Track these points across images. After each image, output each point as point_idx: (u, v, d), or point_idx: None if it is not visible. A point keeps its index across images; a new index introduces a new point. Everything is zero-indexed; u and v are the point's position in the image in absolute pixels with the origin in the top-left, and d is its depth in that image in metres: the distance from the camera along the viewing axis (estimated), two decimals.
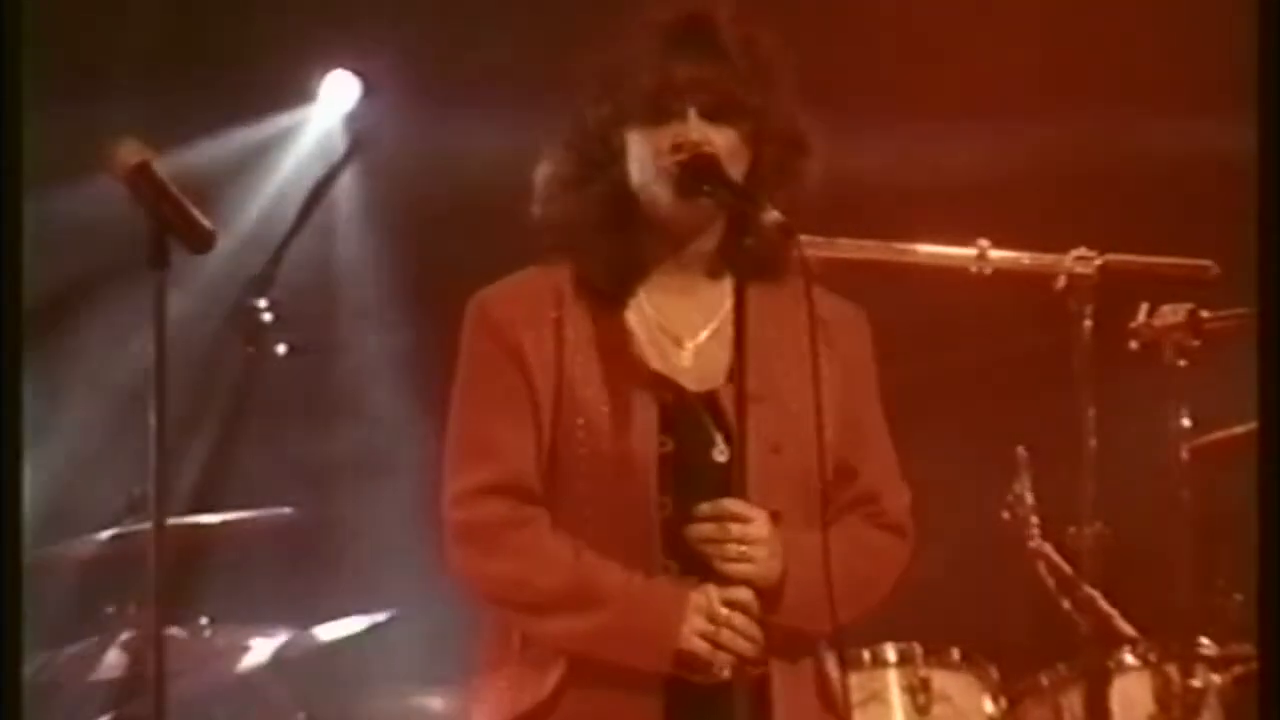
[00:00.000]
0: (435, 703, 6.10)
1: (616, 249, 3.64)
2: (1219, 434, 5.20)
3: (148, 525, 3.56)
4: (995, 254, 5.08)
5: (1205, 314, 5.07)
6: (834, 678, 3.66)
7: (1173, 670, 5.28)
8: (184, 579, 6.24)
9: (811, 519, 3.57)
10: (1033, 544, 5.56)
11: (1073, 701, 5.29)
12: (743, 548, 3.49)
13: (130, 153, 3.52)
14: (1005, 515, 5.62)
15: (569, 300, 3.65)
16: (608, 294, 3.65)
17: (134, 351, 6.34)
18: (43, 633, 5.34)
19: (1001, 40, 6.65)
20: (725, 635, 3.50)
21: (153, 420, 3.48)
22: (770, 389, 3.59)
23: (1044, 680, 5.42)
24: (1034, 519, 5.59)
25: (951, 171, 6.48)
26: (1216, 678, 5.28)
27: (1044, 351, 5.18)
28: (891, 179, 6.03)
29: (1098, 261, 5.01)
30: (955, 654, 5.46)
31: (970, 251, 5.09)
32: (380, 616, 5.89)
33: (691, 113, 3.57)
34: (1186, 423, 5.07)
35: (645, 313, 3.66)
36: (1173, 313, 5.08)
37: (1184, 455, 5.07)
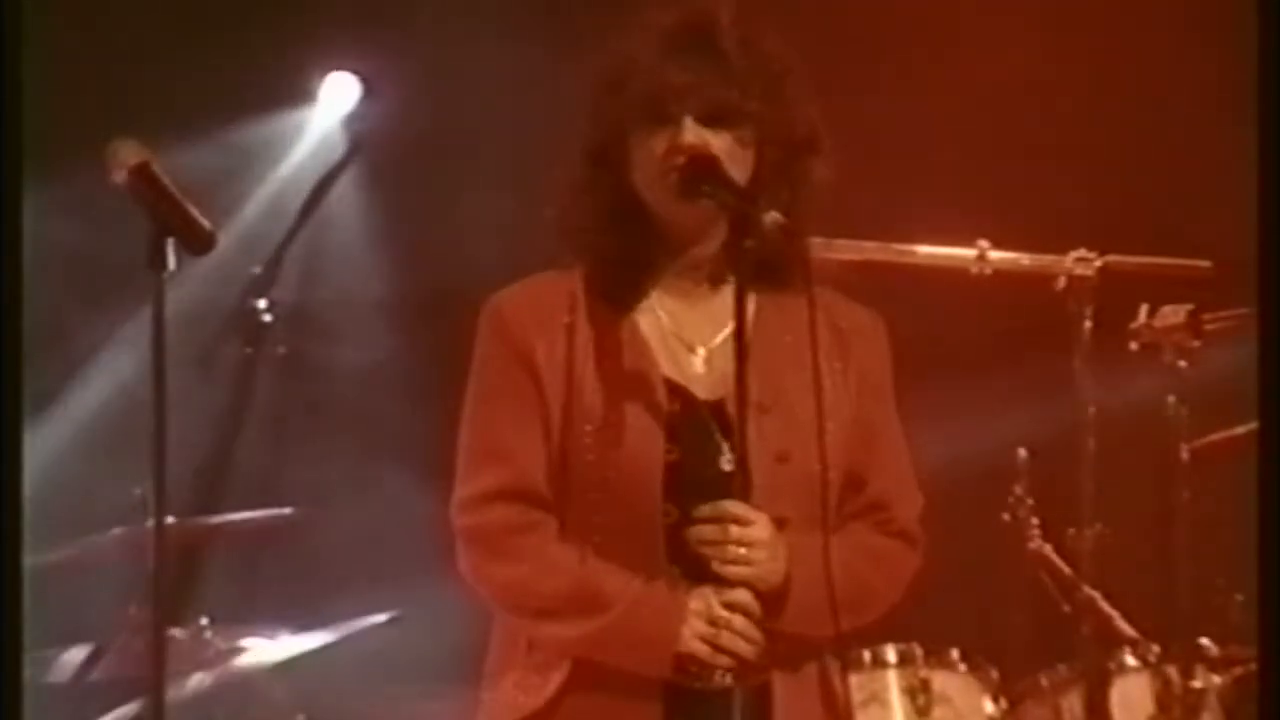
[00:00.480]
0: (435, 704, 6.10)
1: (622, 252, 3.63)
2: (1219, 434, 5.20)
3: (148, 525, 3.56)
4: (995, 254, 5.09)
5: (1205, 315, 5.07)
6: (837, 683, 3.66)
7: (1173, 671, 5.29)
8: (184, 579, 6.25)
9: (821, 527, 3.56)
10: (1033, 545, 5.57)
11: (1073, 702, 5.29)
12: (742, 550, 3.49)
13: (130, 153, 3.52)
14: (1005, 516, 5.62)
15: (582, 305, 3.64)
16: (618, 298, 3.65)
17: (134, 351, 6.35)
18: (43, 633, 5.33)
19: (1002, 40, 6.65)
20: (724, 638, 3.50)
21: (153, 420, 3.48)
22: (779, 397, 3.59)
23: (1044, 681, 5.43)
24: (1034, 520, 5.59)
25: (951, 171, 6.48)
26: (1217, 678, 5.28)
27: (1044, 351, 5.19)
28: (892, 179, 6.03)
29: (1098, 262, 5.01)
30: (955, 655, 5.47)
31: (970, 252, 5.10)
32: (380, 617, 5.88)
33: (687, 118, 3.57)
34: (1186, 423, 5.07)
35: (659, 319, 3.66)
36: (1173, 313, 5.08)
37: (1184, 455, 5.07)
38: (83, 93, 6.45)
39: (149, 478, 3.52)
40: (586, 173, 3.65)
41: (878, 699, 5.38)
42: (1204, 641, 5.30)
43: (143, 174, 3.50)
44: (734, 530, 3.48)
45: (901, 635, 5.31)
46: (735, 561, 3.50)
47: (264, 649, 5.75)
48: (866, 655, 5.36)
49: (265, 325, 6.81)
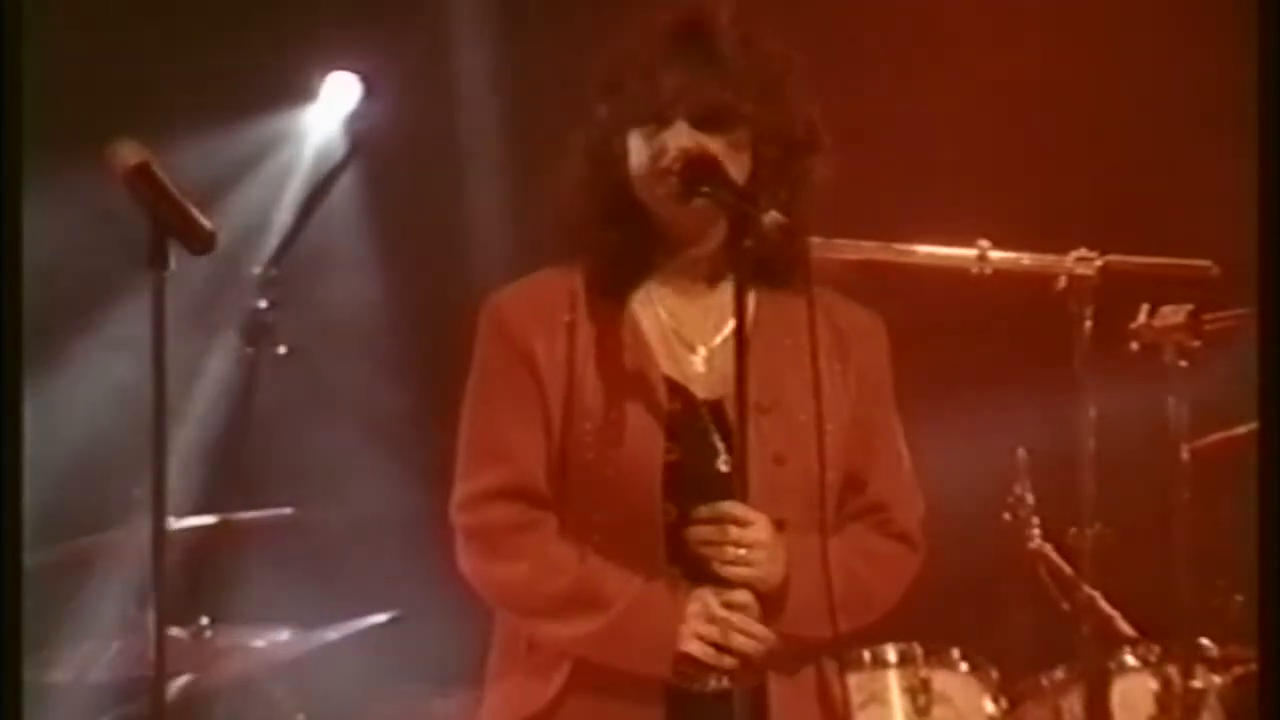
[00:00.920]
0: (435, 704, 6.10)
1: (622, 250, 3.63)
2: (1219, 434, 5.20)
3: (148, 525, 3.56)
4: (995, 254, 5.08)
5: (1205, 315, 5.06)
6: (835, 686, 3.66)
7: (1173, 671, 5.29)
8: (184, 579, 6.25)
9: (820, 528, 3.56)
10: (1033, 545, 5.57)
11: (1073, 702, 5.29)
12: (741, 551, 3.49)
13: (130, 153, 3.52)
14: (1006, 516, 5.62)
15: (582, 303, 3.64)
16: (618, 296, 3.65)
17: (134, 351, 6.35)
18: (43, 633, 5.33)
19: (1003, 40, 6.65)
20: (724, 636, 3.50)
21: (153, 420, 3.48)
22: (778, 398, 3.59)
23: (1044, 681, 5.43)
24: (1034, 520, 5.59)
25: (951, 171, 6.48)
26: (1217, 678, 5.28)
27: (1044, 351, 5.19)
28: (892, 179, 6.03)
29: (1098, 262, 5.01)
30: (955, 655, 5.47)
31: (970, 252, 5.10)
32: (380, 617, 5.88)
33: (680, 121, 3.56)
34: (1186, 423, 5.07)
35: (660, 318, 3.66)
36: (1173, 313, 5.08)
37: (1184, 455, 5.07)
38: (83, 93, 6.45)
39: (149, 478, 3.52)
40: (586, 171, 3.65)
41: (878, 699, 5.38)
42: (1204, 641, 5.30)
43: (143, 174, 3.50)
44: (734, 531, 3.48)
45: (901, 635, 5.31)
46: (735, 563, 3.50)
47: (264, 649, 5.75)
48: (866, 655, 5.36)
49: (265, 325, 6.80)
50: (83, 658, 5.64)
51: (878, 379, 3.73)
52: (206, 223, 3.53)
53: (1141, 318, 5.10)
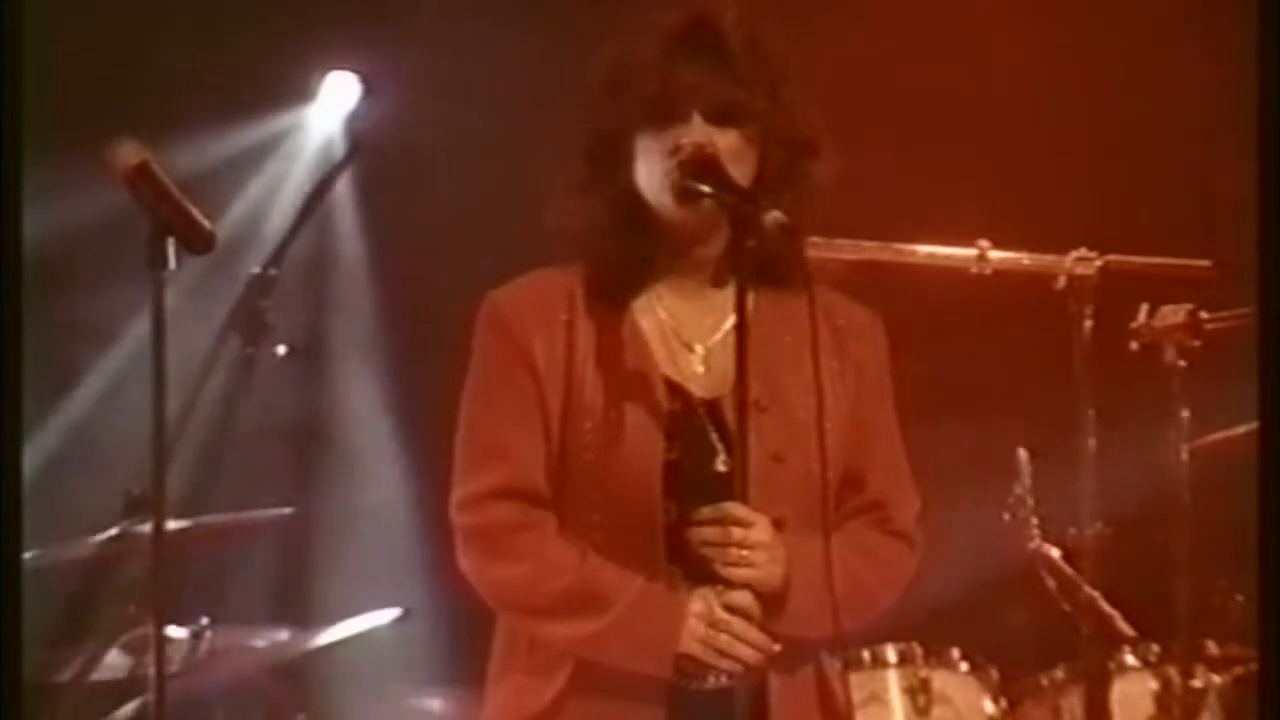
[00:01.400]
0: (435, 704, 6.10)
1: (625, 253, 3.63)
2: (1219, 434, 5.20)
3: (147, 525, 3.56)
4: (995, 254, 5.09)
5: (1205, 314, 5.06)
6: (835, 685, 3.65)
7: (1173, 671, 5.29)
8: (184, 579, 6.24)
9: (818, 526, 3.56)
10: (1033, 545, 5.56)
11: (1073, 702, 5.30)
12: (744, 552, 3.49)
13: (130, 153, 3.52)
14: (1006, 516, 5.62)
15: (580, 303, 3.64)
16: (617, 296, 3.65)
17: (133, 351, 6.35)
18: (43, 633, 5.33)
19: (1003, 40, 6.65)
20: (724, 639, 3.51)
21: (152, 420, 3.48)
22: (777, 397, 3.59)
23: (1044, 681, 5.43)
24: (1034, 520, 5.59)
25: (951, 171, 6.48)
26: (1217, 678, 5.28)
27: (1044, 352, 5.19)
28: (892, 179, 6.03)
29: (1098, 262, 5.01)
30: (955, 655, 5.47)
31: (970, 251, 5.10)
32: (380, 617, 5.88)
33: (695, 116, 3.57)
34: (1186, 423, 5.07)
35: (659, 317, 3.66)
36: (1173, 313, 5.07)
37: (1184, 455, 5.07)
38: (83, 92, 6.45)
39: (148, 478, 3.52)
40: (587, 174, 3.64)
41: (878, 699, 5.38)
42: (1204, 641, 5.30)
43: (143, 174, 3.50)
44: (735, 532, 3.49)
45: (901, 635, 5.31)
46: (736, 563, 3.50)
47: (264, 649, 5.75)
48: (866, 655, 5.37)
49: (265, 325, 6.80)
50: (83, 658, 5.64)
51: (876, 377, 3.73)
52: (206, 223, 3.53)
53: (1141, 318, 5.10)
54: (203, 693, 5.74)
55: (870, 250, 4.95)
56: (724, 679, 3.53)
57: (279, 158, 7.21)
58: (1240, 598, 5.35)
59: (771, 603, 3.53)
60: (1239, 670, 5.28)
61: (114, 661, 5.59)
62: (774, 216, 3.48)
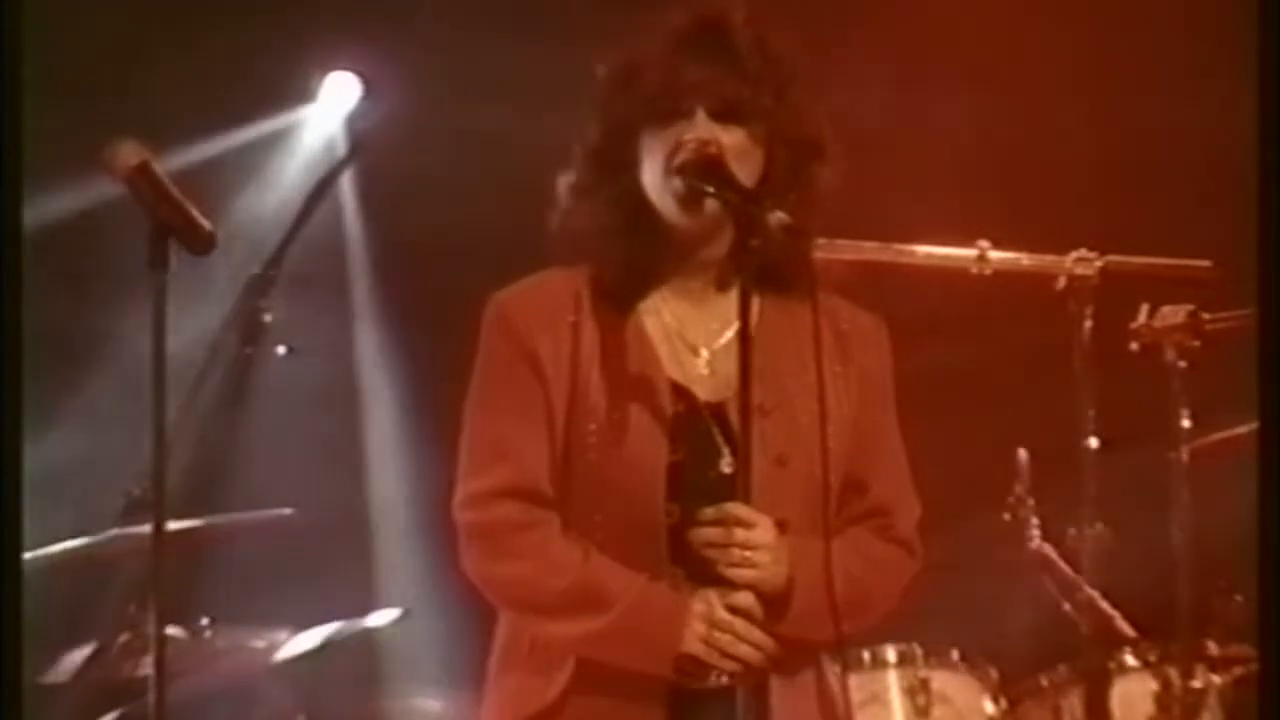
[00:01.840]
0: (435, 703, 6.11)
1: (629, 254, 3.63)
2: (1219, 434, 5.20)
3: (148, 525, 3.56)
4: (995, 254, 5.09)
5: (1205, 315, 5.06)
6: (835, 687, 3.66)
7: (1173, 671, 5.28)
8: (184, 579, 6.24)
9: (820, 531, 3.56)
10: (1033, 545, 5.57)
11: (1073, 702, 5.29)
12: (747, 553, 3.50)
13: (130, 153, 3.52)
14: (1006, 516, 5.62)
15: (586, 304, 3.65)
16: (623, 298, 3.65)
17: (133, 352, 6.35)
18: (43, 633, 5.33)
19: (1003, 40, 6.64)
20: (726, 640, 3.51)
21: (152, 420, 3.48)
22: (781, 401, 3.59)
23: (1044, 681, 5.43)
24: (1034, 520, 5.59)
25: (951, 171, 6.47)
26: (1217, 679, 5.28)
27: (1044, 351, 5.19)
28: (892, 179, 6.03)
29: (1098, 262, 5.01)
30: (955, 655, 5.47)
31: (970, 252, 5.10)
32: (381, 616, 5.88)
33: (700, 112, 3.57)
34: (1186, 423, 5.07)
35: (664, 320, 3.66)
36: (1173, 313, 5.07)
37: (1184, 455, 5.07)
38: (83, 93, 6.45)
39: (149, 478, 3.52)
40: (593, 174, 3.65)
41: (878, 699, 5.38)
42: (1204, 641, 5.29)
43: (143, 173, 3.50)
44: (739, 533, 3.49)
45: (901, 635, 5.31)
46: (739, 564, 3.50)
47: (264, 649, 5.75)
48: (866, 655, 5.36)
49: (265, 325, 6.80)
50: (83, 658, 5.64)
51: (879, 383, 3.73)
52: (206, 223, 3.53)
53: (1141, 318, 5.10)
54: (203, 693, 5.74)
55: (870, 250, 4.95)
56: (724, 679, 3.53)
57: (279, 158, 7.21)
58: (1240, 598, 5.35)
59: (774, 604, 3.53)
60: (1239, 670, 5.27)
61: (114, 662, 5.59)
62: (778, 217, 3.49)
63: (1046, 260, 5.05)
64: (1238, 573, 5.13)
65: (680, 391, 3.61)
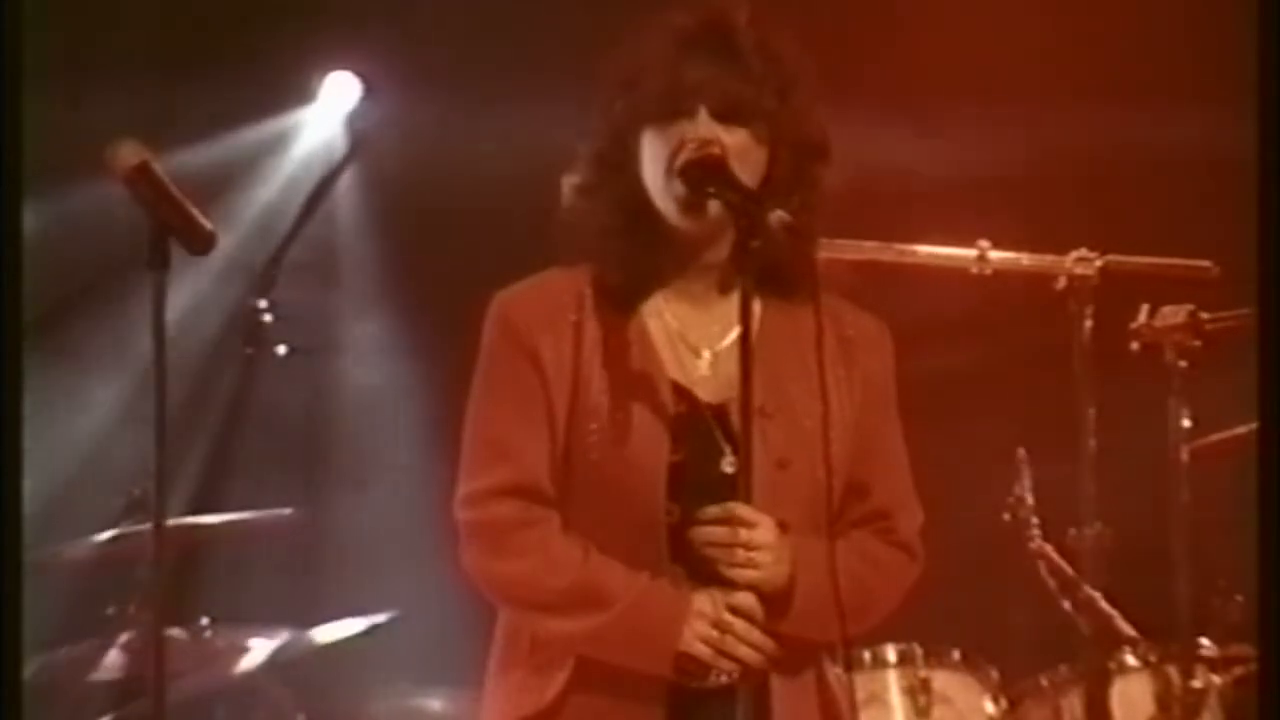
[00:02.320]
0: (435, 703, 6.11)
1: (631, 255, 3.63)
2: (1219, 434, 5.20)
3: (148, 525, 3.56)
4: (995, 254, 5.09)
5: (1205, 315, 5.06)
6: (836, 688, 3.66)
7: (1173, 671, 5.28)
8: (184, 579, 6.25)
9: (821, 533, 3.56)
10: (1033, 545, 5.57)
11: (1073, 702, 5.29)
12: (750, 553, 3.50)
13: (130, 153, 3.51)
14: (1006, 516, 5.62)
15: (589, 304, 3.65)
16: (626, 299, 3.65)
17: (134, 352, 6.35)
18: (43, 633, 5.33)
19: (1003, 41, 6.64)
20: (728, 641, 3.51)
21: (153, 420, 3.48)
22: (782, 404, 3.59)
23: (1044, 681, 5.43)
24: (1034, 520, 5.59)
25: (951, 171, 6.47)
26: (1217, 678, 5.28)
27: (1044, 351, 5.19)
28: (892, 179, 6.03)
29: (1098, 262, 5.01)
30: (955, 655, 5.47)
31: (970, 252, 5.10)
32: (380, 616, 5.89)
33: (702, 112, 3.57)
34: (1186, 423, 5.07)
35: (666, 321, 3.66)
36: (1173, 314, 5.07)
37: (1184, 455, 5.07)
38: (83, 94, 6.45)
39: (149, 478, 3.52)
40: (595, 175, 3.65)
41: (878, 699, 5.38)
42: (1204, 642, 5.29)
43: (143, 173, 3.50)
44: (741, 533, 3.49)
45: (901, 635, 5.31)
46: (742, 564, 3.50)
47: (264, 649, 5.75)
48: (866, 655, 5.36)
49: (265, 325, 6.81)
50: (83, 658, 5.64)
51: (882, 387, 3.73)
52: (206, 223, 3.52)
53: (1141, 318, 5.10)
54: (203, 693, 5.75)
55: (871, 250, 4.95)
56: (724, 679, 3.53)
57: (279, 158, 7.21)
58: (1240, 598, 5.35)
59: (775, 604, 3.53)
60: (1239, 670, 5.27)
61: (114, 662, 5.60)
62: (779, 216, 3.48)
63: (1046, 260, 5.05)
64: (1238, 573, 5.13)
65: (682, 392, 3.61)
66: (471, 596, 3.67)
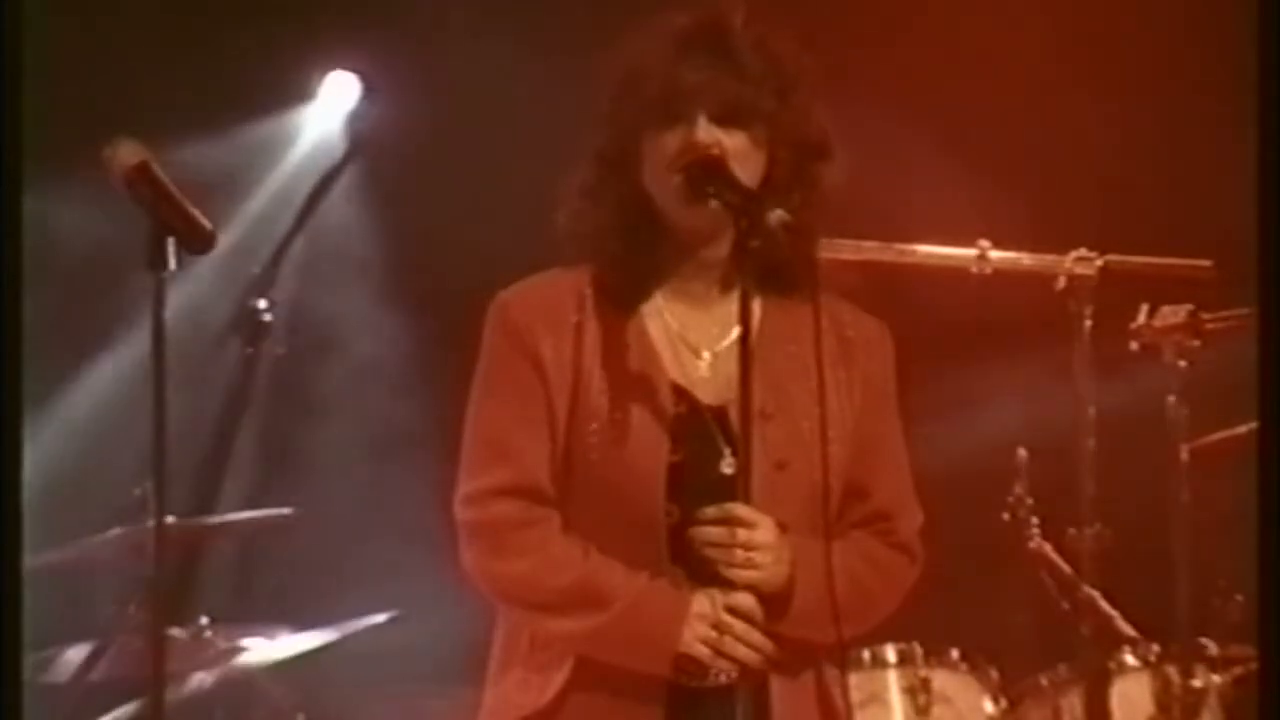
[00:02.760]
0: (435, 703, 6.10)
1: (631, 255, 3.63)
2: (1219, 434, 5.20)
3: (148, 525, 3.56)
4: (995, 254, 5.09)
5: (1205, 315, 5.06)
6: (834, 688, 3.66)
7: (1173, 671, 5.28)
8: (184, 579, 6.25)
9: (820, 535, 3.56)
10: (1033, 545, 5.57)
11: (1073, 702, 5.29)
12: (749, 554, 3.50)
13: (130, 153, 3.52)
14: (1005, 516, 5.62)
15: (590, 305, 3.65)
16: (626, 299, 3.65)
17: (133, 352, 6.35)
18: (43, 633, 5.33)
19: (1004, 40, 6.65)
20: (727, 641, 3.51)
21: (153, 420, 3.48)
22: (782, 405, 3.59)
23: (1044, 681, 5.43)
24: (1034, 520, 5.59)
25: (951, 171, 6.47)
26: (1216, 678, 5.28)
27: (1044, 351, 5.19)
28: (892, 179, 6.03)
29: (1098, 262, 5.01)
30: (955, 654, 5.47)
31: (970, 251, 5.10)
32: (380, 616, 5.89)
33: (701, 116, 3.57)
34: (1186, 423, 5.07)
35: (666, 322, 3.66)
36: (1173, 313, 5.07)
37: (1184, 455, 5.07)
38: (83, 93, 6.45)
39: (149, 478, 3.52)
40: (597, 175, 3.65)
41: (878, 699, 5.38)
42: (1204, 641, 5.29)
43: (143, 174, 3.50)
44: (740, 533, 3.49)
45: (901, 635, 5.31)
46: (741, 565, 3.50)
47: (264, 649, 5.75)
48: (866, 655, 5.36)
49: (265, 325, 6.81)
50: (83, 658, 5.64)
51: (883, 389, 3.73)
52: (206, 223, 3.53)
53: (1141, 318, 5.10)
54: (203, 693, 5.75)
55: (871, 250, 4.95)
56: (723, 678, 3.53)
57: (279, 158, 7.21)
58: (1240, 598, 5.35)
59: (775, 604, 3.53)
60: (1239, 670, 5.28)
61: (114, 661, 5.60)
62: (778, 215, 3.48)
63: (1046, 260, 5.05)
64: (1238, 573, 5.14)
65: (681, 393, 3.61)
66: (471, 596, 3.68)
